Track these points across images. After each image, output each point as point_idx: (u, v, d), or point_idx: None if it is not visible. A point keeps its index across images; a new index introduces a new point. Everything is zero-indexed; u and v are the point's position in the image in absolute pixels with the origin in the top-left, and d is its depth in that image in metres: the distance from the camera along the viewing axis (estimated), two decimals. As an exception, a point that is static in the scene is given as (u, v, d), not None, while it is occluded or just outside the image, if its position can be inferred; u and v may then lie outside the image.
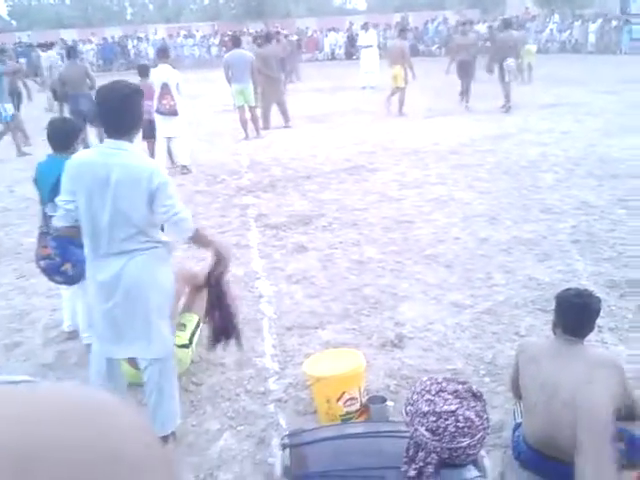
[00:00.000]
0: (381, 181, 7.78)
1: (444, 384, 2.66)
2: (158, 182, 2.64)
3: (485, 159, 8.49)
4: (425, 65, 19.47)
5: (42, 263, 3.49)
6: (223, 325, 3.22)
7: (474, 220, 6.06)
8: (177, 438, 3.02)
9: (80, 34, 37.17)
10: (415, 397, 2.59)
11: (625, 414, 2.51)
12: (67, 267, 3.38)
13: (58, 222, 2.80)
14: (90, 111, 9.27)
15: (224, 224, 6.44)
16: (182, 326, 3.70)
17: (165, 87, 8.14)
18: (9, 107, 10.58)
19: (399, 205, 6.74)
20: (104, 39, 32.79)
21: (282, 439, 2.46)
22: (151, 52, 29.52)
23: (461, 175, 7.74)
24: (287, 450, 2.29)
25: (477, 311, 4.24)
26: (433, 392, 2.60)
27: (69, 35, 36.78)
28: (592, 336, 2.99)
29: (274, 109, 12.15)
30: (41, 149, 9.91)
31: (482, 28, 24.74)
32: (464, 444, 2.21)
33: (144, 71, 8.74)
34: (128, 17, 54.13)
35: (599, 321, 2.92)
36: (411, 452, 2.20)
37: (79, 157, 2.80)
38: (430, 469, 2.25)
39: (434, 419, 2.56)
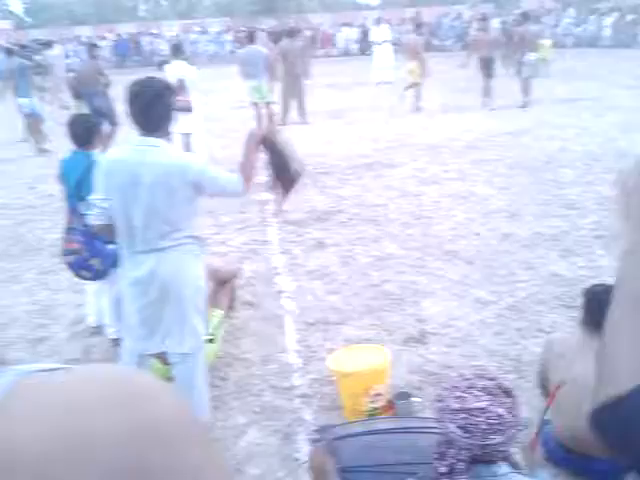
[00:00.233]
0: (399, 177, 7.76)
1: (474, 380, 2.64)
2: (193, 174, 2.66)
3: (503, 154, 8.44)
4: (439, 60, 19.39)
5: (69, 258, 3.51)
6: (288, 178, 3.13)
7: (494, 216, 6.03)
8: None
9: (94, 31, 37.36)
10: (444, 394, 2.58)
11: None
12: (95, 262, 3.41)
13: (93, 220, 2.81)
14: (105, 108, 9.32)
15: (244, 220, 6.46)
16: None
17: (180, 83, 8.16)
18: (28, 102, 10.65)
19: (418, 201, 6.72)
20: (118, 35, 32.89)
21: (311, 434, 2.46)
22: (165, 48, 29.63)
23: (480, 170, 7.70)
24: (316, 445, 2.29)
25: (500, 307, 4.22)
26: (463, 388, 2.59)
27: (84, 32, 36.96)
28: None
29: (292, 105, 12.15)
30: (61, 145, 10.00)
31: (495, 23, 24.54)
32: (495, 441, 2.20)
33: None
34: (141, 13, 54.30)
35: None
36: (442, 448, 2.19)
37: (112, 155, 2.80)
38: (461, 465, 2.24)
39: (464, 416, 2.55)
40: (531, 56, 11.97)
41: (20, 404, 0.61)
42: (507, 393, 2.67)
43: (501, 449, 2.26)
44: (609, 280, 3.45)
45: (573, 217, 5.89)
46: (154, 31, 34.14)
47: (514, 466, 2.32)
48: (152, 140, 2.68)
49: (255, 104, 10.81)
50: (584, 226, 5.64)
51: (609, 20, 27.11)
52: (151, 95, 2.67)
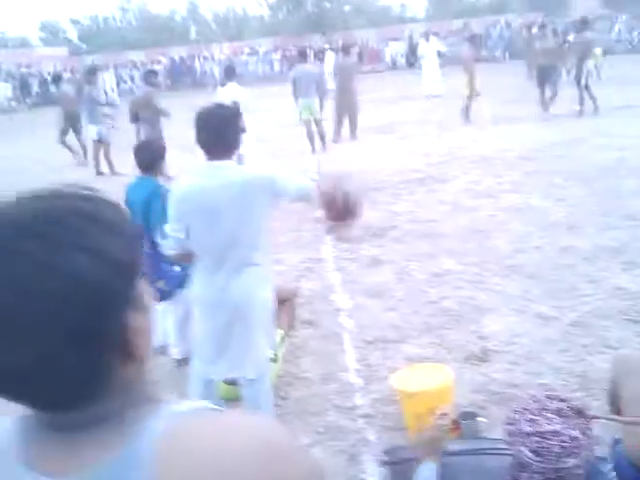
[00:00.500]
0: (452, 190, 7.70)
1: (546, 402, 2.59)
2: (268, 182, 2.73)
3: (559, 165, 8.28)
4: (488, 70, 19.19)
5: (135, 281, 3.61)
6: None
7: (553, 228, 5.91)
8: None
9: (147, 55, 38.52)
10: (516, 416, 2.54)
11: None
12: (161, 284, 3.50)
13: (169, 250, 2.88)
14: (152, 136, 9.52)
15: (298, 238, 6.52)
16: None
17: (234, 106, 8.32)
18: (97, 128, 11.04)
19: (473, 214, 6.65)
20: (171, 59, 33.82)
21: (379, 455, 2.46)
22: (216, 71, 30.31)
23: (535, 182, 7.58)
24: (386, 467, 2.29)
25: (564, 323, 4.13)
26: (535, 411, 2.54)
27: (136, 56, 38.17)
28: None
29: (345, 122, 12.21)
30: (124, 169, 10.32)
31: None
32: (570, 464, 2.15)
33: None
34: (192, 36, 55.71)
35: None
36: (514, 472, 2.15)
37: (184, 182, 2.83)
38: (534, 489, 2.20)
39: (537, 439, 2.49)
40: (590, 63, 11.76)
41: (175, 447, 0.68)
42: (580, 414, 2.61)
43: (576, 472, 2.21)
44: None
45: (634, 229, 5.71)
46: (205, 54, 34.97)
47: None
48: (221, 163, 2.75)
49: (306, 122, 10.93)
50: (647, 238, 5.48)
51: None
52: (219, 121, 2.73)
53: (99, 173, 11.01)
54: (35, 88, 30.63)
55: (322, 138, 11.28)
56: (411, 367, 3.31)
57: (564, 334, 4.01)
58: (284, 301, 3.88)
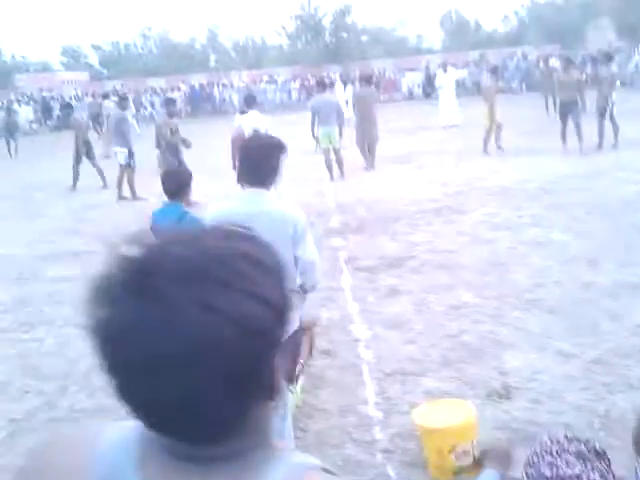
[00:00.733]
0: (471, 222, 7.70)
1: (565, 444, 2.56)
2: (300, 229, 2.78)
3: (580, 198, 8.25)
4: (506, 102, 19.24)
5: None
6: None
7: (574, 263, 5.87)
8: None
9: (167, 82, 39.17)
10: (535, 459, 2.51)
11: None
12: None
13: None
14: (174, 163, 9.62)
15: (316, 267, 6.52)
16: (286, 372, 3.75)
17: (255, 133, 8.44)
18: (125, 152, 11.17)
19: (492, 247, 6.63)
20: (191, 86, 34.33)
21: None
22: (235, 98, 30.72)
23: (556, 215, 7.55)
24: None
25: (586, 360, 4.08)
26: (554, 453, 2.50)
27: (157, 83, 38.83)
28: None
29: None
30: (145, 194, 10.42)
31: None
32: (594, 508, 2.12)
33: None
34: (212, 64, 56.61)
35: None
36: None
37: (220, 205, 2.96)
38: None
39: (558, 483, 2.46)
40: (614, 96, 11.81)
41: None
42: (600, 456, 2.57)
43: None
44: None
45: (657, 265, 5.67)
46: (224, 81, 35.49)
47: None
48: (257, 191, 2.81)
49: (325, 150, 11.02)
50: (670, 274, 5.42)
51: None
52: (261, 151, 2.83)
53: (121, 197, 11.13)
54: (56, 111, 31.14)
55: (340, 166, 11.35)
56: (432, 402, 3.28)
57: (585, 372, 3.96)
58: (304, 330, 3.88)
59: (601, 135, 12.04)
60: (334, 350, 4.57)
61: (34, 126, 31.28)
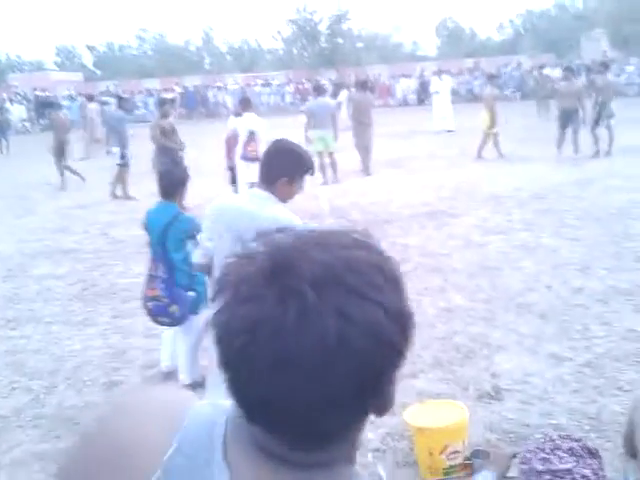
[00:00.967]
0: (463, 226, 7.71)
1: (558, 442, 2.56)
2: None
3: (571, 205, 8.30)
4: (500, 109, 19.33)
5: (149, 304, 3.62)
6: None
7: (565, 268, 5.89)
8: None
9: (162, 83, 39.08)
10: (529, 455, 2.51)
11: None
12: (174, 309, 3.50)
13: (195, 259, 2.97)
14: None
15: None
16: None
17: (252, 135, 8.44)
18: (118, 151, 11.14)
19: (484, 251, 6.64)
20: (185, 88, 34.25)
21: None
22: (229, 101, 30.70)
23: (547, 221, 7.58)
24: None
25: (577, 364, 4.09)
26: (547, 450, 2.51)
27: (151, 84, 38.75)
28: None
29: (356, 155, 12.27)
30: (137, 194, 10.39)
31: (556, 73, 24.46)
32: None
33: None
34: (206, 66, 56.55)
35: None
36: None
37: (223, 200, 2.97)
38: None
39: (549, 477, 2.46)
40: (612, 105, 11.92)
41: None
42: (593, 454, 2.58)
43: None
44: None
45: (647, 271, 5.70)
46: (219, 84, 35.44)
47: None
48: (260, 193, 2.77)
49: (320, 153, 11.02)
50: (660, 281, 5.45)
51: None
52: (271, 153, 2.81)
53: (113, 196, 11.08)
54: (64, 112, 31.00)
55: (334, 170, 11.36)
56: (424, 403, 3.28)
57: (576, 375, 3.96)
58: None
59: (597, 143, 12.11)
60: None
61: (27, 125, 31.14)
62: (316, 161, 11.20)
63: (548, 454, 2.47)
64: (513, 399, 3.71)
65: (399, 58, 50.89)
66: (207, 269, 2.92)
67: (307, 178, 2.95)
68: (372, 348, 0.67)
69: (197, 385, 3.79)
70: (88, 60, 61.59)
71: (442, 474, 2.91)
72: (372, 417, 0.73)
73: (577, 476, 2.42)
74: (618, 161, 11.34)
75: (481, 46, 56.58)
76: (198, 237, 2.97)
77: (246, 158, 8.52)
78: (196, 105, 32.74)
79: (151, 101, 30.98)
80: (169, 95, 28.00)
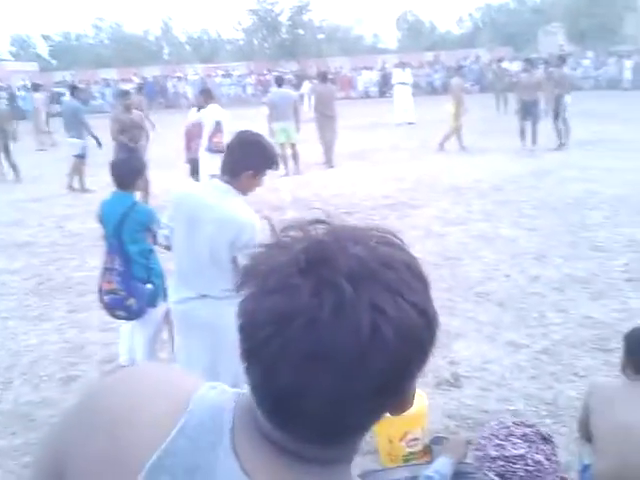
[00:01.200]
0: (424, 217, 7.78)
1: (512, 428, 2.61)
2: (242, 237, 2.64)
3: (529, 196, 8.45)
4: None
5: (106, 298, 3.55)
6: None
7: (523, 257, 6.00)
8: None
9: (119, 73, 38.36)
10: (483, 442, 2.55)
11: None
12: (131, 302, 3.44)
13: (160, 239, 3.03)
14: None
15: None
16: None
17: (218, 126, 8.32)
18: (79, 142, 10.84)
19: (444, 241, 6.72)
20: (144, 78, 33.67)
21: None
22: (189, 91, 30.29)
23: (505, 212, 7.70)
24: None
25: (534, 350, 4.17)
26: (501, 436, 2.55)
27: (108, 74, 38.00)
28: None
29: (319, 147, 12.25)
30: (94, 186, 10.17)
31: (514, 66, 24.85)
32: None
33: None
34: (165, 57, 55.73)
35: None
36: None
37: (184, 189, 2.99)
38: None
39: (503, 464, 2.50)
40: (567, 99, 12.13)
41: None
42: (546, 440, 2.63)
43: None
44: (642, 323, 3.38)
45: (602, 259, 5.84)
46: (179, 74, 34.95)
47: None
48: (222, 186, 2.72)
49: (282, 145, 10.97)
50: (614, 268, 5.59)
51: (629, 63, 27.32)
52: (238, 145, 2.76)
53: (70, 188, 10.81)
54: (4, 102, 30.16)
55: (296, 161, 11.33)
56: (384, 391, 3.29)
57: (533, 361, 4.04)
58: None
59: (559, 135, 12.33)
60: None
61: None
62: (278, 152, 11.23)
63: (502, 440, 2.51)
64: (472, 386, 3.77)
65: (360, 50, 51.03)
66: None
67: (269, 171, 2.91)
68: (403, 346, 0.66)
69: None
70: (43, 50, 60.12)
71: (402, 461, 2.93)
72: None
73: (530, 461, 2.47)
74: (574, 153, 11.59)
75: (441, 39, 57.15)
76: (161, 221, 2.99)
77: (211, 150, 8.39)
78: (155, 96, 32.21)
79: (108, 92, 30.38)
80: (128, 86, 27.51)
